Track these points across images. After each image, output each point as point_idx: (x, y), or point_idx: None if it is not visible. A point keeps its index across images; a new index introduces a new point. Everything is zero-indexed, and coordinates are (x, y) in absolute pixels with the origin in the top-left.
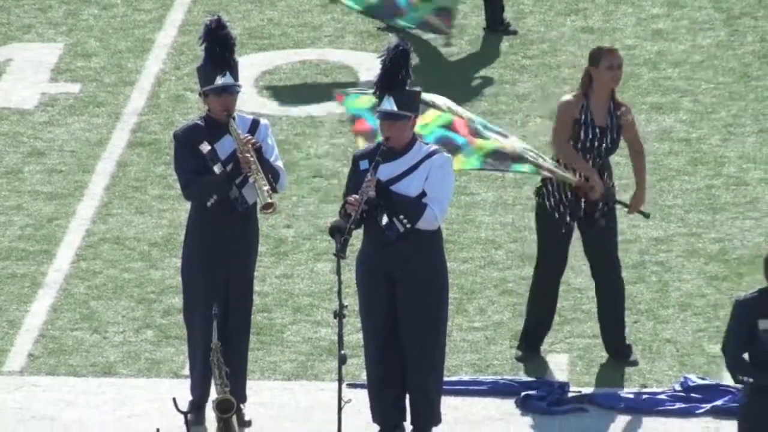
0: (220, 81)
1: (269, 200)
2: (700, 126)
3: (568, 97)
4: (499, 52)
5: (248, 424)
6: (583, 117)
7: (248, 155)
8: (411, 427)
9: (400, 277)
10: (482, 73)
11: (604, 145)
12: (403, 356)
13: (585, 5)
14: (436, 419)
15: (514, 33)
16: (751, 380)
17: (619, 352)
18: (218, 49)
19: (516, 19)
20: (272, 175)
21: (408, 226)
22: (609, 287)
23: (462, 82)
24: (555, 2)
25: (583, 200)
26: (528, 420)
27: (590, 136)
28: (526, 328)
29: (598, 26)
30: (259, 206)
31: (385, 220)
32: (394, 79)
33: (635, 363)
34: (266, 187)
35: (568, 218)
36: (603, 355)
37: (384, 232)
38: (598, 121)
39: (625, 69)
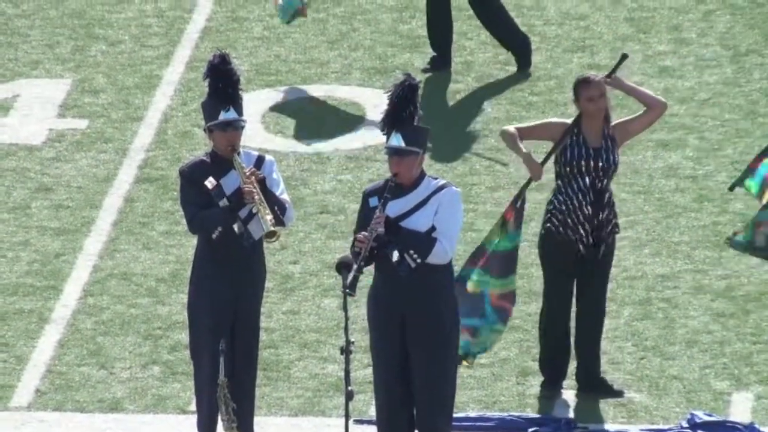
0: (224, 116)
1: (272, 228)
2: (706, 163)
3: (562, 120)
4: (505, 88)
5: None
6: (574, 139)
7: (251, 186)
8: None
9: (410, 312)
10: (489, 109)
11: (600, 164)
12: (413, 393)
13: (592, 42)
14: None
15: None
16: None
17: (589, 383)
18: (222, 85)
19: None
20: (278, 207)
21: (419, 260)
22: (591, 319)
23: (469, 118)
24: (562, 39)
25: (591, 232)
26: None
27: (584, 156)
28: (542, 364)
29: (605, 63)
30: (262, 235)
31: (396, 256)
32: (401, 114)
33: (618, 394)
34: (269, 216)
35: (580, 246)
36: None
37: (395, 268)
38: (591, 143)
39: (632, 106)
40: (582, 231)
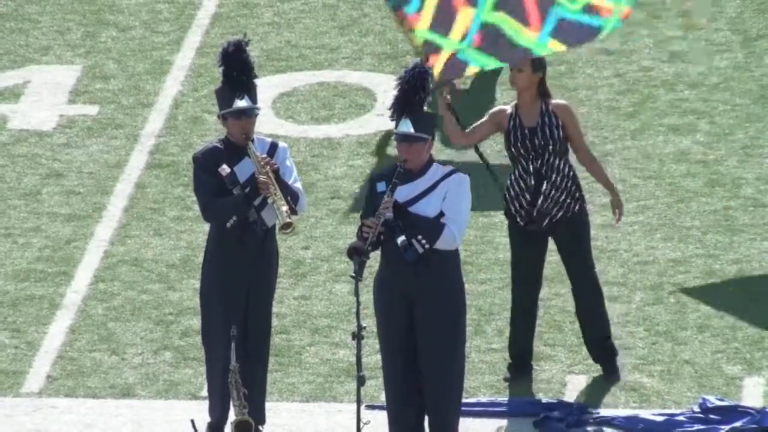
0: (238, 104)
1: (288, 220)
2: (717, 147)
3: (505, 106)
4: None
5: None
6: (511, 123)
7: (266, 177)
8: None
9: (418, 298)
10: (498, 94)
11: (536, 141)
12: (421, 377)
13: None
14: None
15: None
16: None
17: (601, 354)
18: (236, 73)
19: None
20: (291, 196)
21: (426, 246)
22: (582, 287)
23: (478, 103)
24: None
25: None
26: None
27: (519, 139)
28: (513, 348)
29: (615, 48)
30: (278, 226)
31: (403, 241)
32: (411, 100)
33: (615, 368)
34: (285, 207)
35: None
36: (622, 377)
37: (402, 253)
38: (527, 122)
39: (642, 90)
40: (523, 210)
